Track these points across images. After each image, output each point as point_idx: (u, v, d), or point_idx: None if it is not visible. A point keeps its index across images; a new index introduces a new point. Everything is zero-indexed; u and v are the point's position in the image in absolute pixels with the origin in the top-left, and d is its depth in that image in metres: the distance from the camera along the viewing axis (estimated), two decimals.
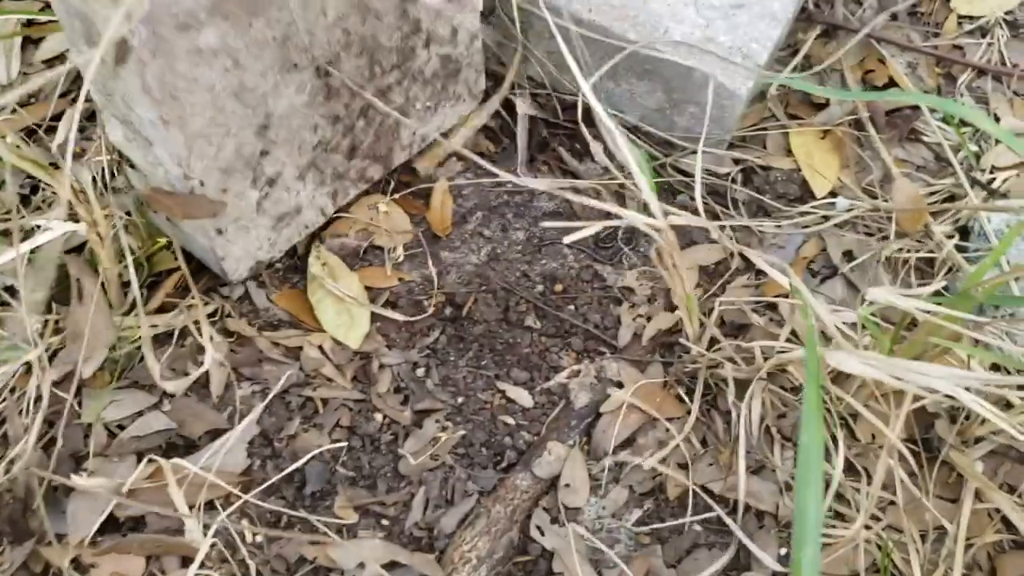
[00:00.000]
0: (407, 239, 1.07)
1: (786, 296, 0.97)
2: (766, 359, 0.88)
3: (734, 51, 1.04)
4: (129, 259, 0.89)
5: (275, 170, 0.89)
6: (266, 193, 0.89)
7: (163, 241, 0.97)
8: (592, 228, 0.80)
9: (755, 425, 0.82)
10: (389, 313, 1.00)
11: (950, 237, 0.98)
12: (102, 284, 0.90)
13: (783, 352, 0.85)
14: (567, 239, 0.77)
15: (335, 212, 1.03)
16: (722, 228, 1.01)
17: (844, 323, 0.86)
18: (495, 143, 1.16)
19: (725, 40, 1.05)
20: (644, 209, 0.80)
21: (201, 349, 0.93)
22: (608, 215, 0.75)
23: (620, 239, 1.07)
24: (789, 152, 1.09)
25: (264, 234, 0.94)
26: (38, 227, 0.83)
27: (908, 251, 0.98)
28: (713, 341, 0.94)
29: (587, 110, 1.09)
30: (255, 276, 1.00)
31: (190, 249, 0.96)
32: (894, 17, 1.27)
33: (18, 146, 0.99)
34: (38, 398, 0.83)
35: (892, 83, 1.17)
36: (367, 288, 1.02)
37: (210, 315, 0.97)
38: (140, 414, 0.89)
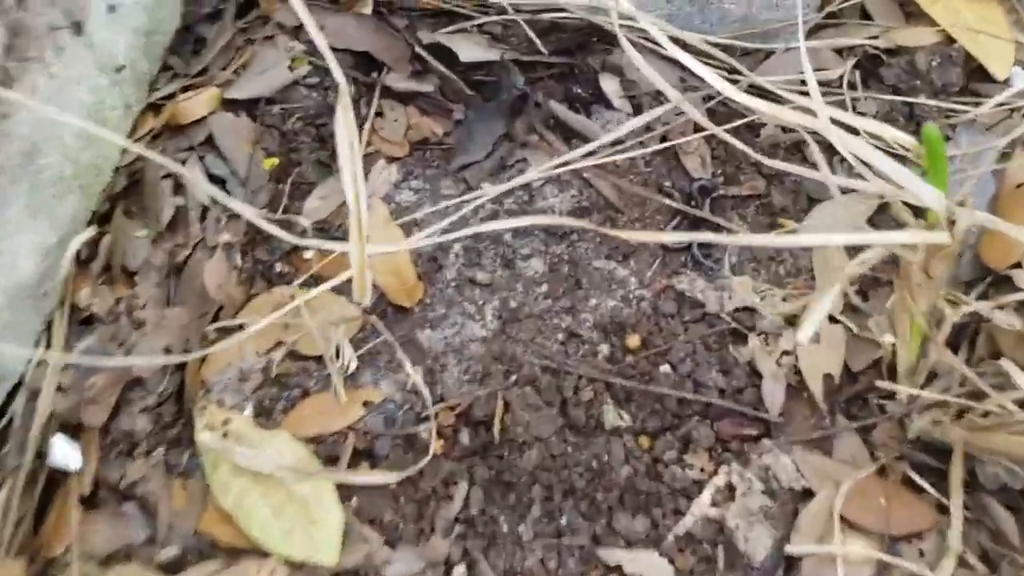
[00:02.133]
0: (353, 329, 0.61)
1: (1019, 265, 0.58)
2: None
3: None
4: None
5: None
6: None
7: None
8: (817, 313, 0.39)
9: None
10: (366, 478, 0.55)
11: None
12: None
13: None
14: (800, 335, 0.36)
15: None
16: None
17: None
18: (442, 117, 0.69)
19: None
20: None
21: None
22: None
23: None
24: (919, 15, 0.67)
25: None
26: None
27: None
28: (931, 375, 0.55)
29: (588, 34, 0.64)
30: None
31: None
32: None
33: None
34: None
35: None
36: (313, 441, 0.57)
37: None
38: None
